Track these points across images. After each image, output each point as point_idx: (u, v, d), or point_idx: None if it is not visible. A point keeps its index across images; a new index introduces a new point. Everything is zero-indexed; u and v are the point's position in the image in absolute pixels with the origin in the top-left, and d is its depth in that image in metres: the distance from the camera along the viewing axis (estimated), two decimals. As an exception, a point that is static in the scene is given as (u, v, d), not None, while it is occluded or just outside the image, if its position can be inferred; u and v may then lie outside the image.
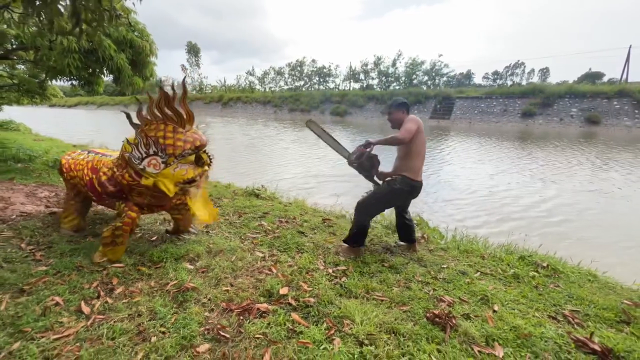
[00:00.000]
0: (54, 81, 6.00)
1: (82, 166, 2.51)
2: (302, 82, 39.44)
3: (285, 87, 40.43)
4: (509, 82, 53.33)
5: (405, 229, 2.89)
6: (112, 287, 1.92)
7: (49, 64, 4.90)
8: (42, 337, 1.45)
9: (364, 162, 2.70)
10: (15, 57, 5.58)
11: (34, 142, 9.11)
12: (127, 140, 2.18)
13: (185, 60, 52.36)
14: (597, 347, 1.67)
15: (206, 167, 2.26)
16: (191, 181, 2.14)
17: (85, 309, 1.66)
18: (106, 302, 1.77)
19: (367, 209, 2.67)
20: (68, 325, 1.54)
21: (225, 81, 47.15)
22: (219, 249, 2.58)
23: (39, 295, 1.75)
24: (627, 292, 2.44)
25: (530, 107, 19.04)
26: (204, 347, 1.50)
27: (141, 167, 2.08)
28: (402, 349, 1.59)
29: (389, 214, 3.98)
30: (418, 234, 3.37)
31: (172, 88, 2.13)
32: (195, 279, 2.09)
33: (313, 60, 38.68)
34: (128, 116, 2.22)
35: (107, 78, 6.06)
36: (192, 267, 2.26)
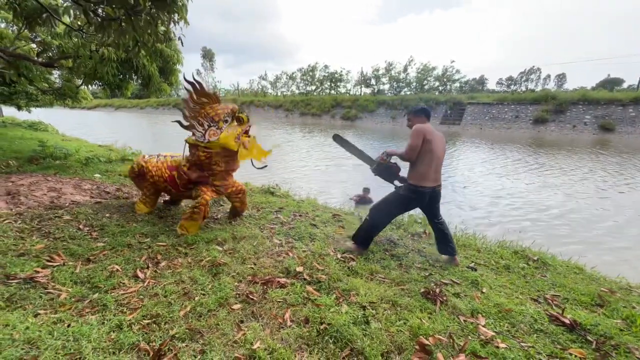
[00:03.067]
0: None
1: (160, 168, 3.18)
2: (313, 87, 40.03)
3: (297, 92, 41.13)
4: (523, 88, 52.70)
5: (440, 237, 2.79)
6: (157, 261, 2.31)
7: (85, 70, 5.44)
8: (113, 292, 1.84)
9: (383, 172, 2.92)
10: (56, 66, 6.18)
11: (63, 142, 9.79)
12: (189, 138, 2.91)
13: (200, 64, 53.87)
14: (567, 321, 1.95)
15: (247, 123, 3.00)
16: (242, 133, 2.89)
17: (141, 275, 2.05)
18: (155, 271, 2.16)
19: (379, 213, 2.77)
20: (129, 285, 1.93)
21: (238, 85, 48.14)
22: (242, 236, 2.95)
23: (102, 264, 2.15)
24: (609, 282, 2.69)
25: (542, 114, 18.95)
26: (237, 306, 1.86)
27: (206, 140, 2.77)
28: (398, 314, 1.91)
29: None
30: (420, 230, 3.68)
31: (194, 80, 2.84)
32: (225, 257, 2.46)
33: (325, 66, 39.21)
34: (180, 123, 2.93)
35: (135, 83, 6.62)
36: (220, 248, 2.64)
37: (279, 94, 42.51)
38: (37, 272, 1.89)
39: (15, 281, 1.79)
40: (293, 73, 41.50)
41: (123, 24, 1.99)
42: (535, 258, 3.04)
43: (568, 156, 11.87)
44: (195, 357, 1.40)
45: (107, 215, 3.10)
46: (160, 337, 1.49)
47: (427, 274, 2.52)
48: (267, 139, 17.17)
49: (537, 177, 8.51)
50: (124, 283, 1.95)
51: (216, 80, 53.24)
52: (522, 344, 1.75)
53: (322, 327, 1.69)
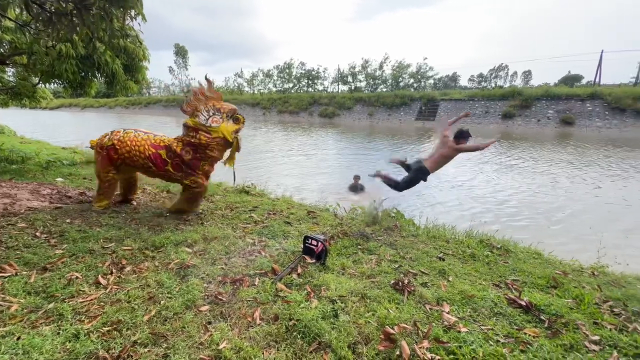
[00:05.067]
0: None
1: (140, 143, 3.17)
2: (290, 85, 39.76)
3: (274, 90, 40.70)
4: (493, 85, 55.07)
5: None
6: (122, 266, 2.23)
7: (42, 68, 5.10)
8: (71, 300, 1.75)
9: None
10: (8, 63, 5.75)
11: (21, 145, 9.16)
12: (187, 120, 3.20)
13: (173, 61, 51.92)
14: (523, 303, 2.08)
15: (241, 124, 3.34)
16: (237, 131, 3.29)
17: (103, 281, 1.97)
18: (119, 276, 2.08)
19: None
20: (89, 293, 1.85)
21: (213, 83, 46.97)
22: (214, 236, 2.90)
23: (60, 272, 2.05)
24: (563, 265, 2.89)
25: (509, 109, 19.90)
26: (205, 307, 1.83)
27: (208, 124, 3.12)
28: (367, 306, 1.96)
29: (368, 206, 4.37)
30: (392, 224, 3.77)
31: (206, 78, 3.26)
32: (194, 259, 2.41)
33: (302, 63, 39.02)
34: (181, 107, 3.28)
35: (100, 81, 6.29)
36: (190, 250, 2.58)
37: (255, 91, 41.87)
38: (-16, 283, 1.77)
39: (-40, 295, 1.67)
40: (269, 70, 41.03)
41: (74, 18, 1.88)
42: (499, 246, 3.21)
43: (533, 149, 12.56)
44: (157, 362, 1.37)
45: (68, 220, 2.95)
46: (121, 344, 1.45)
47: (397, 266, 2.60)
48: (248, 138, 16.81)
49: (505, 170, 8.94)
50: (83, 291, 1.86)
51: (190, 78, 51.56)
52: (482, 327, 1.84)
53: (290, 323, 1.71)
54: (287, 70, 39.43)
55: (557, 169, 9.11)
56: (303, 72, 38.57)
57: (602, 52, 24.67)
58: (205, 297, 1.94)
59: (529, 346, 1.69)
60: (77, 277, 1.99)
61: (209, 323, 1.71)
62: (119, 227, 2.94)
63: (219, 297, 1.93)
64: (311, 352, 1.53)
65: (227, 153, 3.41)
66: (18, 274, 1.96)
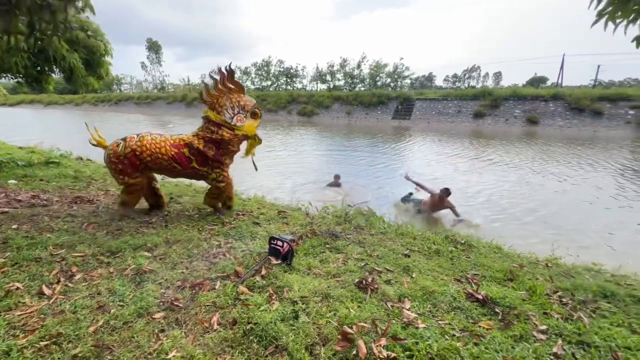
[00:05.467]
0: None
1: (160, 145, 3.05)
2: (269, 82, 39.27)
3: (252, 87, 40.02)
4: (466, 85, 57.12)
5: None
6: (72, 274, 2.09)
7: (-10, 61, 4.71)
8: (7, 314, 1.62)
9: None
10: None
11: (-29, 144, 8.45)
12: (209, 112, 3.14)
13: (145, 57, 49.82)
14: (480, 297, 2.15)
15: (259, 118, 3.38)
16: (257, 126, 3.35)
17: (47, 291, 1.84)
18: (67, 285, 1.95)
19: None
20: (30, 304, 1.72)
21: (189, 80, 45.47)
22: (177, 239, 2.80)
23: (-1, 282, 1.89)
24: (521, 258, 3.03)
25: (480, 109, 20.70)
26: (159, 314, 1.75)
27: (233, 122, 3.12)
28: (329, 306, 1.95)
29: (341, 205, 4.40)
30: (363, 222, 3.80)
31: (227, 68, 3.10)
32: (153, 264, 2.31)
33: (280, 61, 38.59)
34: (201, 96, 3.23)
35: (58, 76, 5.91)
36: (149, 254, 2.47)
37: (233, 89, 40.99)
38: None
39: None
40: (247, 68, 40.30)
41: (16, 10, 1.73)
42: (463, 241, 3.31)
43: (501, 146, 13.14)
44: (99, 376, 1.29)
45: (14, 226, 2.74)
46: (59, 358, 1.35)
47: (363, 264, 2.61)
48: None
49: (476, 167, 9.29)
50: (23, 302, 1.73)
51: (164, 75, 49.71)
52: (440, 322, 1.89)
53: (248, 327, 1.67)
54: (265, 68, 38.91)
55: (525, 166, 9.58)
56: (281, 70, 38.22)
57: (563, 55, 26.23)
58: (161, 303, 1.86)
59: (482, 339, 1.74)
60: (17, 288, 1.85)
61: (162, 331, 1.64)
62: (73, 232, 2.77)
63: (176, 302, 1.86)
64: (267, 356, 1.50)
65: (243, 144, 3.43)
66: (-51, 286, 1.79)
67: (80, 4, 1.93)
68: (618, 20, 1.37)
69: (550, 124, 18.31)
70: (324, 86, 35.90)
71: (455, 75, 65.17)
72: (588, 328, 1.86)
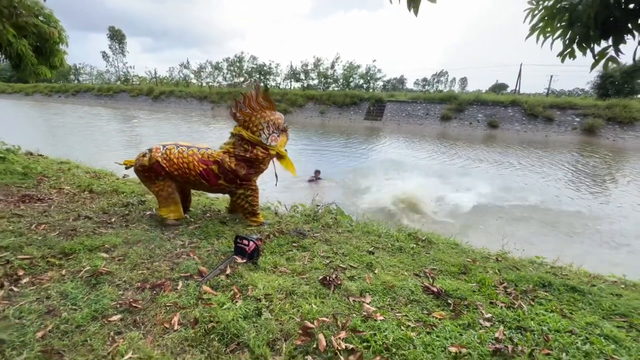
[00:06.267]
0: None
1: (189, 160, 2.93)
2: (241, 79, 38.42)
3: (225, 83, 38.96)
4: (435, 89, 59.62)
5: None
6: (17, 278, 1.96)
7: None
8: (-60, 322, 1.49)
9: None
10: None
11: None
12: (242, 131, 3.10)
13: (107, 46, 46.62)
14: (435, 289, 2.30)
15: (287, 135, 3.41)
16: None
17: (-12, 297, 1.72)
18: (11, 290, 1.83)
19: None
20: (-32, 311, 1.60)
21: (156, 73, 43.26)
22: (137, 240, 2.70)
23: None
24: (475, 253, 3.26)
25: (447, 112, 21.74)
26: (116, 317, 1.70)
27: (268, 142, 3.12)
28: (292, 303, 2.00)
29: (310, 203, 4.45)
30: (331, 221, 3.89)
31: (257, 87, 3.09)
32: (111, 265, 2.22)
33: (253, 57, 37.91)
34: (234, 115, 3.15)
35: (4, 63, 5.41)
36: (107, 255, 2.37)
37: (203, 84, 39.64)
38: None
39: None
40: (219, 63, 39.14)
41: None
42: (424, 238, 3.50)
43: (464, 148, 13.92)
44: (46, 382, 1.24)
45: (-50, 228, 2.50)
46: (1, 366, 1.28)
47: (328, 262, 2.69)
48: (198, 134, 15.97)
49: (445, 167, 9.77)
50: (-40, 309, 1.60)
51: (127, 66, 46.91)
52: (397, 314, 2.00)
53: (209, 326, 1.67)
54: (237, 64, 38.04)
55: (487, 166, 10.23)
56: (255, 66, 37.57)
57: (521, 64, 28.22)
58: (118, 305, 1.80)
59: (434, 328, 1.88)
60: (-47, 294, 1.71)
61: (119, 333, 1.59)
62: (20, 234, 2.58)
63: (134, 304, 1.81)
64: (227, 353, 1.52)
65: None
66: None
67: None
68: (547, 35, 1.53)
69: (508, 128, 19.66)
70: (297, 85, 35.81)
71: (425, 79, 67.79)
72: (526, 315, 2.06)
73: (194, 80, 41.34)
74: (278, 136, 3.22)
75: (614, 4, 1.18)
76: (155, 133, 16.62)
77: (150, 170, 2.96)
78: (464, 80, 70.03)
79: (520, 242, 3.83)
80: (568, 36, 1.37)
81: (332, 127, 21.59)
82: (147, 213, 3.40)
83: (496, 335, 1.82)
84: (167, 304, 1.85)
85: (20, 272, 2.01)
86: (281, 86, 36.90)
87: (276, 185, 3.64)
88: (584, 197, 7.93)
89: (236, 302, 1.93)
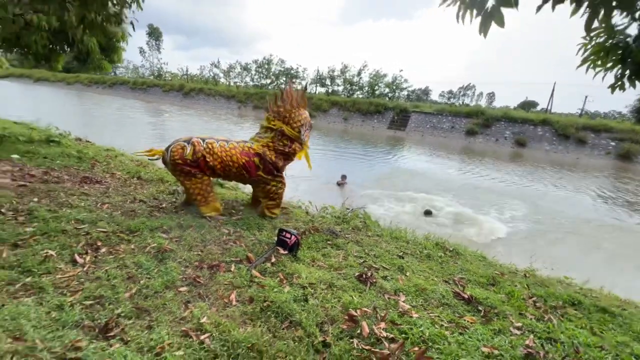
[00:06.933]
0: None
1: (229, 153, 3.13)
2: (268, 81, 39.35)
3: (251, 84, 40.03)
4: (461, 102, 58.58)
5: None
6: (97, 247, 2.25)
7: (3, 34, 4.77)
8: (48, 276, 1.78)
9: None
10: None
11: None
12: (284, 127, 3.32)
13: (145, 42, 49.13)
14: (466, 296, 2.42)
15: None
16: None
17: (80, 260, 2.01)
18: (95, 256, 2.12)
19: None
20: (67, 270, 1.89)
21: (187, 70, 45.04)
22: (189, 225, 2.97)
23: (33, 249, 2.04)
24: (502, 268, 3.32)
25: (473, 127, 21.39)
26: (183, 288, 1.94)
27: (303, 138, 3.41)
28: (333, 293, 2.18)
29: (340, 205, 4.63)
30: (360, 224, 4.05)
31: (291, 86, 3.40)
32: (171, 244, 2.49)
33: (281, 60, 38.78)
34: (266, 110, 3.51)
35: (68, 56, 5.96)
36: (166, 236, 2.65)
37: (231, 84, 40.88)
38: (-44, 256, 1.74)
39: None
40: (248, 64, 40.28)
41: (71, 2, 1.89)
42: (451, 249, 3.60)
43: (492, 164, 13.70)
44: (143, 332, 1.48)
45: (35, 199, 2.86)
46: (105, 315, 1.53)
47: (362, 261, 2.86)
48: (226, 132, 16.55)
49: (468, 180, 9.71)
50: (60, 268, 1.89)
51: (162, 62, 49.12)
52: (431, 314, 2.14)
53: (265, 304, 1.88)
54: (266, 66, 38.98)
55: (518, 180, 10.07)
56: (282, 69, 38.38)
57: (554, 83, 27.40)
58: (184, 279, 2.05)
59: (466, 330, 2.00)
60: (51, 255, 2.00)
61: (188, 302, 1.83)
62: (90, 210, 2.91)
63: (197, 279, 2.05)
64: (283, 328, 1.72)
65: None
66: (-12, 248, 1.93)
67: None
68: (598, 69, 1.66)
69: (537, 147, 19.11)
70: (322, 89, 36.25)
71: (450, 92, 66.85)
72: (556, 328, 2.15)
73: (222, 80, 42.74)
74: (309, 132, 3.52)
75: (665, 45, 1.30)
76: (185, 129, 17.38)
77: (192, 165, 3.03)
78: (491, 95, 68.48)
79: (549, 262, 3.84)
80: (619, 71, 1.49)
81: (355, 134, 21.74)
82: (177, 202, 3.54)
83: (527, 342, 1.92)
84: (224, 283, 2.08)
85: (99, 243, 2.31)
86: (307, 90, 37.48)
87: (310, 169, 3.79)
88: (619, 218, 7.69)
89: (284, 287, 2.13)
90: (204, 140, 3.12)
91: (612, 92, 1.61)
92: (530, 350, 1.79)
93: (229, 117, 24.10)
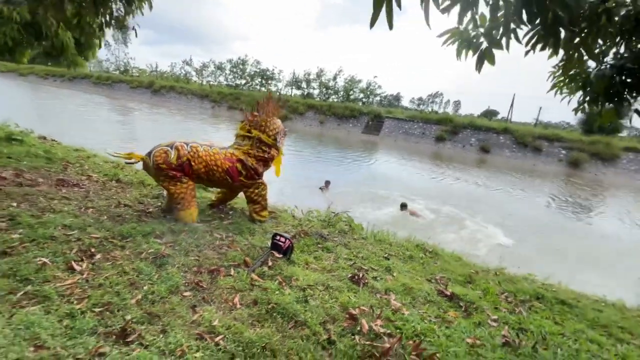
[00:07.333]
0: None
1: (213, 157, 3.14)
2: (243, 81, 38.74)
3: (225, 84, 39.16)
4: (430, 109, 61.28)
5: None
6: (91, 254, 2.21)
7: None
8: (48, 284, 1.74)
9: None
10: None
11: None
12: (262, 135, 3.46)
13: (110, 35, 46.32)
14: (448, 293, 2.66)
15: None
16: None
17: (77, 267, 1.97)
18: (92, 263, 2.08)
19: None
20: (65, 278, 1.85)
21: (157, 66, 43.10)
22: (181, 230, 2.96)
23: (24, 256, 1.96)
24: (476, 267, 3.64)
25: (442, 133, 22.54)
26: (187, 293, 1.98)
27: (279, 144, 3.59)
28: (330, 294, 2.31)
29: (325, 209, 4.77)
30: (346, 227, 4.22)
31: (278, 97, 3.55)
32: (167, 249, 2.48)
33: (257, 61, 38.36)
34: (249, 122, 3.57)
35: (37, 49, 5.60)
36: (160, 241, 2.63)
37: (204, 82, 39.74)
38: (-54, 266, 1.65)
39: None
40: (222, 63, 39.39)
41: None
42: (430, 250, 3.87)
43: (458, 169, 14.55)
44: (158, 336, 1.51)
45: (14, 204, 2.71)
46: (117, 322, 1.55)
47: (352, 263, 3.01)
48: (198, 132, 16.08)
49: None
50: (57, 276, 1.85)
51: (129, 57, 46.61)
52: (419, 310, 2.34)
53: (269, 306, 1.97)
54: (240, 66, 38.36)
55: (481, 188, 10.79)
56: (257, 70, 37.97)
57: (514, 95, 29.59)
58: (186, 284, 2.07)
59: (451, 323, 2.22)
60: (44, 263, 1.95)
61: (194, 306, 1.87)
62: (75, 215, 2.81)
63: (200, 284, 2.09)
64: (290, 328, 1.82)
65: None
66: (-24, 257, 1.84)
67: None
68: (564, 93, 1.95)
69: (499, 154, 20.54)
70: (298, 92, 36.34)
71: (420, 99, 69.63)
72: (526, 319, 2.43)
73: (195, 78, 41.39)
74: (283, 138, 3.71)
75: (618, 80, 1.59)
76: (157, 128, 16.68)
77: (177, 169, 3.00)
78: (457, 104, 72.21)
79: (517, 260, 4.24)
80: (581, 97, 1.78)
81: (331, 138, 22.07)
82: (158, 208, 3.48)
83: (503, 332, 2.17)
84: (226, 287, 2.14)
85: (92, 250, 2.26)
86: (282, 92, 37.35)
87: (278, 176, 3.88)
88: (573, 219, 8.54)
89: (284, 289, 2.23)
90: (187, 144, 3.10)
91: (575, 113, 1.91)
92: (507, 339, 2.03)
93: (203, 117, 23.47)
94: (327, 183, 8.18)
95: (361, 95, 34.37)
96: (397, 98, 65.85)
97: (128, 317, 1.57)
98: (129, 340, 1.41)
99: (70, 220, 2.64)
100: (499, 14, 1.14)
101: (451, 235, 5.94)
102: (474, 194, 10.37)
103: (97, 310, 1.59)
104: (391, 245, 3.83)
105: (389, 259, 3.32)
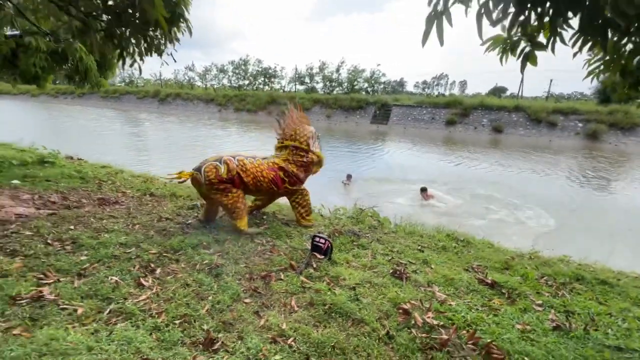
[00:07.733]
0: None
1: (259, 169, 3.33)
2: (246, 82, 38.85)
3: (228, 85, 39.36)
4: (435, 92, 60.15)
5: None
6: (152, 269, 2.37)
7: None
8: (127, 301, 1.90)
9: None
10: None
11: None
12: (299, 142, 3.63)
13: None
14: (489, 281, 2.73)
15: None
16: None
17: (145, 283, 2.13)
18: (156, 278, 2.24)
19: None
20: (138, 294, 2.01)
21: (161, 75, 43.60)
22: (224, 239, 3.11)
23: (97, 277, 2.13)
24: (510, 252, 3.68)
25: (452, 117, 22.21)
26: (247, 300, 2.11)
27: (313, 148, 3.70)
28: (377, 291, 2.41)
29: (350, 205, 4.87)
30: (375, 222, 4.30)
31: (298, 106, 3.77)
32: (218, 259, 2.63)
33: (258, 60, 38.32)
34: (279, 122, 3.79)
35: (61, 74, 5.81)
36: (209, 252, 2.78)
37: (208, 86, 40.05)
38: (41, 291, 1.82)
39: (25, 301, 1.71)
40: (224, 65, 39.54)
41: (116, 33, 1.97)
42: (462, 239, 3.92)
43: (474, 151, 14.37)
44: (237, 342, 1.65)
45: (71, 227, 2.90)
46: (198, 332, 1.69)
47: (389, 258, 3.10)
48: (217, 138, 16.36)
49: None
50: (131, 292, 2.01)
51: (133, 68, 47.17)
52: (464, 300, 2.42)
53: (326, 307, 2.08)
54: (243, 67, 38.43)
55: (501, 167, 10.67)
56: (260, 69, 37.99)
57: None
58: (245, 291, 2.21)
59: (498, 311, 2.30)
60: (116, 281, 2.11)
61: (257, 312, 2.00)
62: (127, 233, 2.98)
63: (257, 290, 2.22)
64: (350, 326, 1.93)
65: None
66: (59, 280, 2.01)
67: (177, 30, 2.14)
68: (602, 80, 1.97)
69: (512, 133, 20.14)
70: (302, 87, 36.24)
71: (425, 82, 68.41)
72: (570, 302, 2.48)
73: (198, 83, 41.75)
74: (318, 144, 3.82)
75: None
76: (173, 136, 17.01)
77: (227, 182, 3.15)
78: (463, 84, 70.69)
79: (550, 243, 4.25)
80: (620, 82, 1.80)
81: (340, 131, 22.03)
82: (196, 218, 3.64)
83: (550, 316, 2.24)
84: (281, 291, 2.26)
85: (152, 265, 2.42)
86: (286, 89, 37.34)
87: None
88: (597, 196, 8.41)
89: (334, 289, 2.34)
90: (234, 157, 3.25)
91: (618, 100, 1.92)
92: (557, 322, 2.10)
93: (213, 122, 23.75)
94: (349, 177, 8.36)
95: (366, 84, 34.01)
96: (401, 84, 64.80)
97: (205, 327, 1.71)
98: (214, 348, 1.55)
99: (124, 239, 2.81)
100: (545, 20, 1.19)
101: (478, 221, 5.95)
102: (492, 176, 10.27)
103: (177, 322, 1.74)
104: (422, 237, 3.91)
105: (423, 251, 3.40)
